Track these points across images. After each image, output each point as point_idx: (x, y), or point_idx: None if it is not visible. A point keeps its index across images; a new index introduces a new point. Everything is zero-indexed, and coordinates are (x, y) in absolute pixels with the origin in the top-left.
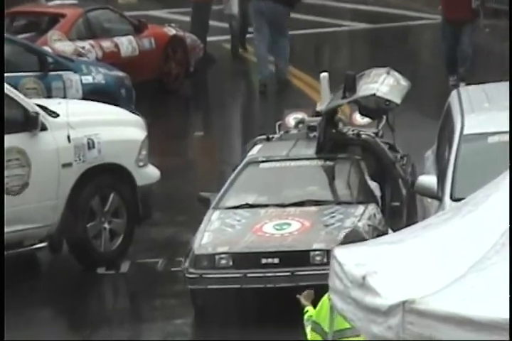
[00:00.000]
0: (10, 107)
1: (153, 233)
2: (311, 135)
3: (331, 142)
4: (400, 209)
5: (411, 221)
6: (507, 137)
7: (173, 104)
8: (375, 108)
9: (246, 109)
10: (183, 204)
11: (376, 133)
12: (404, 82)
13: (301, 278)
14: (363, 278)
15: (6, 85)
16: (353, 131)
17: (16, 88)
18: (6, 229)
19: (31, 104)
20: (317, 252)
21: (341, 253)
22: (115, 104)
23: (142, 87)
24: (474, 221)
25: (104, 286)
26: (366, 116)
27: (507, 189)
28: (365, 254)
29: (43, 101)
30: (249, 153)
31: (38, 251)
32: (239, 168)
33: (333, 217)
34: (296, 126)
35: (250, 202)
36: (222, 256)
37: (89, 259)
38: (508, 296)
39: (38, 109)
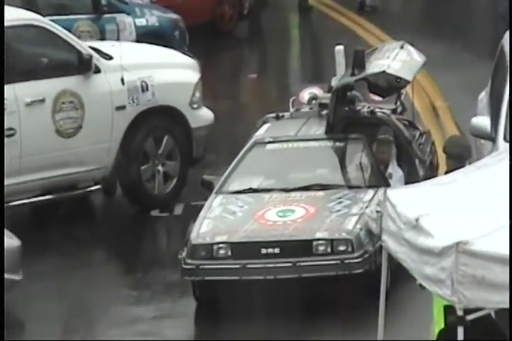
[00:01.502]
0: (64, 50)
1: (207, 175)
2: (323, 113)
3: (344, 121)
4: None
5: None
6: None
7: (227, 47)
8: (385, 85)
9: (300, 50)
10: (237, 145)
11: (394, 110)
12: (418, 58)
13: (304, 269)
14: (416, 219)
15: (59, 28)
16: (367, 108)
17: (69, 31)
18: (59, 172)
19: (85, 46)
20: (320, 241)
21: (394, 195)
22: (169, 47)
23: (196, 29)
24: None
25: (158, 228)
26: (376, 94)
27: None
28: (418, 195)
29: (97, 44)
30: (257, 133)
31: (91, 194)
32: (244, 149)
33: (340, 202)
34: (310, 102)
35: (254, 187)
36: (221, 245)
37: (143, 202)
38: None
39: (91, 52)
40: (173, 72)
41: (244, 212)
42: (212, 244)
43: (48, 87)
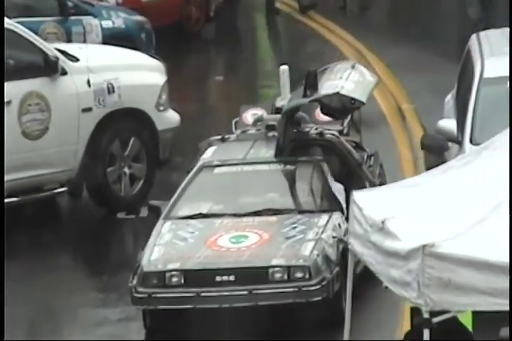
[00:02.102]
0: (30, 52)
1: (173, 177)
2: (270, 134)
3: (292, 143)
4: None
5: None
6: None
7: (194, 49)
8: (339, 107)
9: (268, 53)
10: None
11: (341, 131)
12: (370, 78)
13: (260, 296)
14: (383, 222)
15: (26, 30)
16: (315, 129)
17: (36, 33)
18: (25, 174)
19: (51, 48)
20: (276, 269)
21: (360, 197)
22: (135, 49)
23: (162, 31)
24: (494, 165)
25: (124, 231)
26: (329, 115)
27: None
28: (384, 198)
29: (63, 46)
30: (203, 156)
31: (58, 196)
32: (191, 173)
33: (294, 228)
34: (255, 124)
35: (204, 212)
36: (173, 273)
37: (109, 204)
38: None
39: (58, 54)
40: (139, 74)
41: (196, 238)
42: (164, 272)
43: (14, 89)
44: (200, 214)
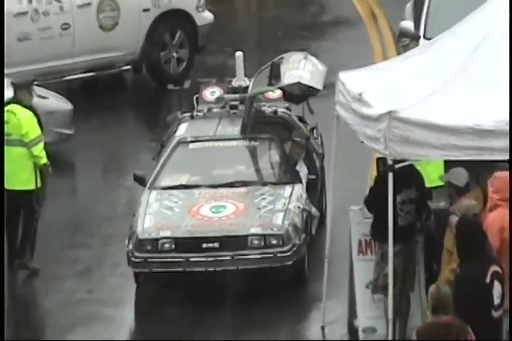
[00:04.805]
0: None
1: (208, 59)
2: (232, 112)
3: (251, 120)
4: (316, 182)
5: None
6: None
7: None
8: (299, 94)
9: None
10: (234, 36)
11: (287, 108)
12: (321, 67)
13: (241, 261)
14: (360, 94)
15: None
16: (268, 107)
17: None
18: (101, 56)
19: None
20: (255, 236)
21: (344, 76)
22: None
23: None
24: (442, 54)
25: (172, 98)
26: (290, 101)
27: (464, 32)
28: (361, 77)
29: None
30: (178, 133)
31: (124, 73)
32: (170, 147)
33: (263, 198)
34: (217, 102)
35: (184, 183)
36: (165, 240)
37: (162, 78)
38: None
39: None
40: None
41: (180, 208)
42: (157, 239)
43: None
44: (181, 185)
